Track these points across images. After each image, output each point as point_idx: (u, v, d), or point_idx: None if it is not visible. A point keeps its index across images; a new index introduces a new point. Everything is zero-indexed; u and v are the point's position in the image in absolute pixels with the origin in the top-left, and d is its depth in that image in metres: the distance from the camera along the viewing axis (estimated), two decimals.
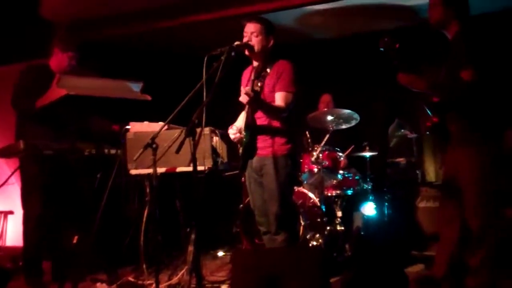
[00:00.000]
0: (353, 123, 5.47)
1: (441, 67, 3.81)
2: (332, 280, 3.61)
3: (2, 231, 6.07)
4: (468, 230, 3.66)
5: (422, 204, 5.24)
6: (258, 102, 3.74)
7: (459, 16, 3.70)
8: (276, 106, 3.84)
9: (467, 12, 3.74)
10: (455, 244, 3.76)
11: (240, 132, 3.95)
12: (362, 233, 5.47)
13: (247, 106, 3.88)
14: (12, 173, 4.59)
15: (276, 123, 3.90)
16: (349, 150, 5.65)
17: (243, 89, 3.71)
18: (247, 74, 4.09)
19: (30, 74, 4.59)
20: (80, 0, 5.66)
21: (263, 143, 3.90)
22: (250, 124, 3.87)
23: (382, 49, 3.76)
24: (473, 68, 3.48)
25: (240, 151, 3.95)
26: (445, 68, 3.76)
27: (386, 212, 5.60)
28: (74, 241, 4.53)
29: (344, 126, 5.50)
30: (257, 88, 3.79)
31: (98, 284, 4.32)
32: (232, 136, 3.98)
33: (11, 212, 6.00)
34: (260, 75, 3.90)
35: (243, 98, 3.75)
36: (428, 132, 4.17)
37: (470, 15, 3.75)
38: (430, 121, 3.77)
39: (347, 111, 5.35)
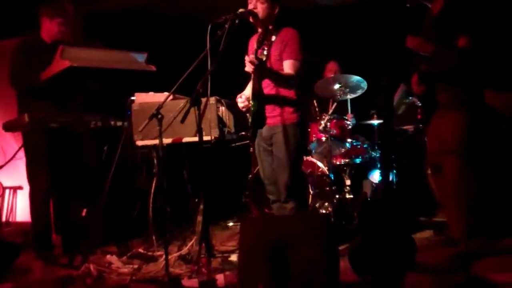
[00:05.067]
0: (360, 92, 5.41)
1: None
2: (341, 247, 3.60)
3: (11, 207, 6.10)
4: None
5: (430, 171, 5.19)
6: (263, 70, 3.69)
7: None
8: (284, 74, 3.79)
9: None
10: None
11: (248, 101, 3.90)
12: (368, 199, 5.45)
13: (253, 75, 3.83)
14: (20, 148, 4.57)
15: (283, 92, 3.86)
16: None
17: (247, 58, 3.65)
18: (253, 42, 4.03)
19: (26, 49, 4.49)
20: None
21: (272, 112, 3.86)
22: (257, 93, 3.81)
23: (408, 5, 3.88)
24: (469, 36, 3.63)
25: (249, 120, 3.92)
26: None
27: (394, 179, 5.57)
28: (83, 214, 4.55)
29: (351, 96, 5.45)
30: (262, 56, 3.73)
31: (108, 256, 4.32)
32: (240, 105, 3.92)
33: (20, 188, 6.02)
34: (265, 42, 3.84)
35: (248, 67, 3.70)
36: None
37: None
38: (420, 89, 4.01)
39: (355, 78, 5.27)
